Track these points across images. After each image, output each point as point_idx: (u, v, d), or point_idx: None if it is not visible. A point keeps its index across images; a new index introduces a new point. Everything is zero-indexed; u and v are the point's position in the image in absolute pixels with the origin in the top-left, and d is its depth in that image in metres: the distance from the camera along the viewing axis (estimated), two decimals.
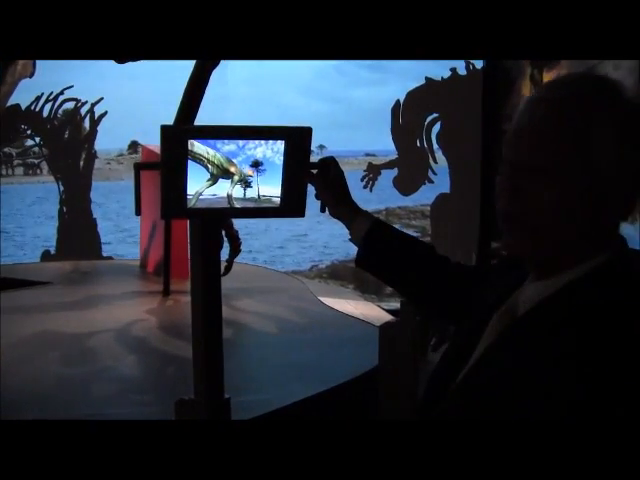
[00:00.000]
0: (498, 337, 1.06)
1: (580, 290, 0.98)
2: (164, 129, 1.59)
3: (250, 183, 1.69)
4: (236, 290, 6.23)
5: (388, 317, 5.31)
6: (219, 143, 1.62)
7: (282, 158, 1.69)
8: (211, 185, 1.65)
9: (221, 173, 1.65)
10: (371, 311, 5.80)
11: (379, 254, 1.59)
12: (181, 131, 1.66)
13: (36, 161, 9.82)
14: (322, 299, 6.22)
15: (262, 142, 1.66)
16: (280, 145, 1.67)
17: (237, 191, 1.69)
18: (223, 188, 1.67)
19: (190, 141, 1.59)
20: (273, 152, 1.68)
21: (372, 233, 1.59)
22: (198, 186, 1.63)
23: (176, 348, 4.45)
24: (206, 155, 1.61)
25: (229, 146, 1.63)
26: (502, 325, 1.07)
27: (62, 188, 9.33)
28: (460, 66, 10.93)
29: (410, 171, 9.07)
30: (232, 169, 1.66)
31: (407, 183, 9.70)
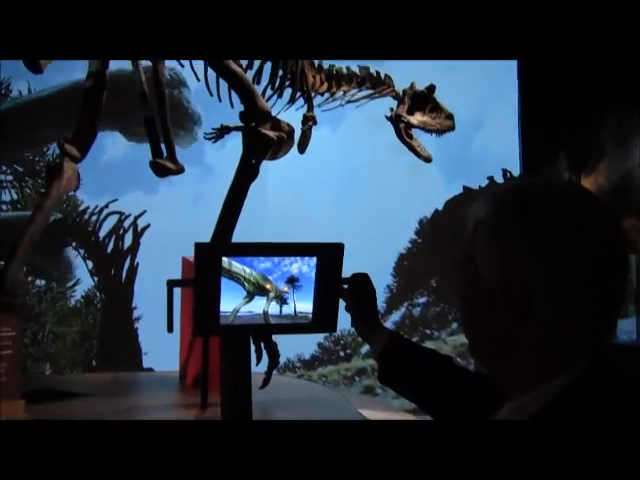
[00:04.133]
0: None
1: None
2: (198, 246, 1.60)
3: (286, 300, 1.68)
4: (270, 402, 6.13)
5: None
6: (255, 261, 1.63)
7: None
8: (247, 302, 1.64)
9: (257, 290, 1.65)
10: None
11: (397, 370, 1.56)
12: (214, 249, 1.67)
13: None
14: (362, 411, 6.08)
15: (297, 258, 1.67)
16: (314, 260, 1.68)
17: (273, 308, 1.68)
18: (259, 305, 1.67)
19: (228, 260, 1.60)
20: (310, 267, 1.68)
21: (389, 349, 1.56)
22: (235, 303, 1.63)
23: None
24: (243, 273, 1.61)
25: (265, 264, 1.64)
26: None
27: (104, 298, 9.46)
28: (497, 174, 11.06)
29: (452, 283, 9.05)
30: (268, 286, 1.66)
31: None
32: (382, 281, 9.90)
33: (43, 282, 9.48)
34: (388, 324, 9.63)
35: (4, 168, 9.20)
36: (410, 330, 10.46)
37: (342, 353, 10.77)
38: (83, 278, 9.58)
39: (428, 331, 10.68)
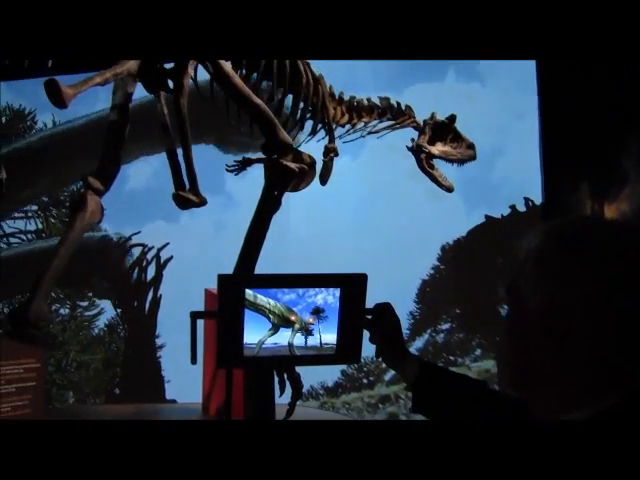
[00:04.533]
0: None
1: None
2: (221, 278, 1.60)
3: (312, 331, 1.68)
4: None
5: None
6: (279, 293, 1.63)
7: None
8: (272, 334, 1.64)
9: (282, 322, 1.64)
10: None
11: (433, 398, 1.56)
12: (237, 280, 1.67)
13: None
14: None
15: (322, 289, 1.66)
16: (339, 291, 1.67)
17: (298, 339, 1.67)
18: (284, 337, 1.66)
19: (252, 293, 1.60)
20: (335, 298, 1.67)
21: (423, 378, 1.56)
22: (261, 335, 1.63)
23: None
24: (267, 306, 1.61)
25: (289, 295, 1.64)
26: None
27: (127, 329, 9.48)
28: (519, 203, 10.99)
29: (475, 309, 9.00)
30: (292, 318, 1.65)
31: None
32: (405, 308, 9.86)
33: (67, 311, 9.52)
34: (411, 351, 9.61)
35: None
36: (434, 356, 10.37)
37: (365, 380, 10.70)
38: (107, 308, 9.61)
39: (452, 357, 10.59)
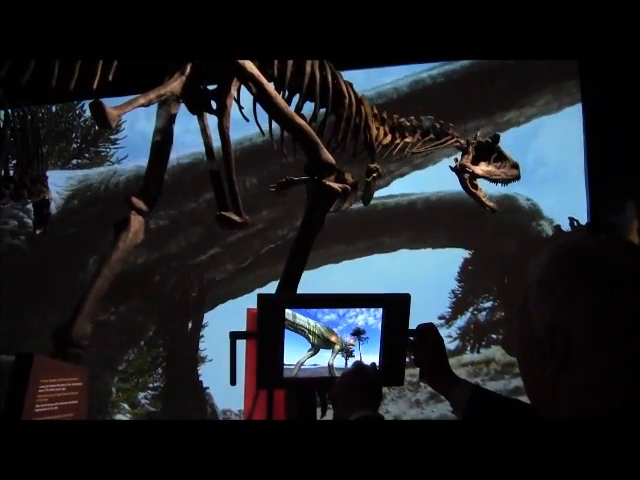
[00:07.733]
0: None
1: None
2: (260, 298, 1.58)
3: (352, 352, 1.65)
4: None
5: None
6: (320, 313, 1.60)
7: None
8: (312, 355, 1.62)
9: (322, 343, 1.62)
10: None
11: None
12: (277, 300, 1.65)
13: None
14: None
15: (363, 309, 1.63)
16: (380, 311, 1.64)
17: (338, 360, 1.65)
18: (324, 358, 1.63)
19: (292, 313, 1.57)
20: (376, 319, 1.64)
21: (473, 403, 1.53)
22: (300, 356, 1.60)
23: None
24: (307, 326, 1.59)
25: (330, 316, 1.61)
26: None
27: (170, 349, 9.53)
28: (564, 223, 10.84)
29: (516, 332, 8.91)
30: (333, 338, 1.63)
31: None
32: (447, 286, 9.80)
33: None
34: (453, 329, 9.52)
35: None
36: (476, 335, 10.22)
37: (407, 359, 10.61)
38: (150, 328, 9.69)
39: (494, 336, 10.43)
